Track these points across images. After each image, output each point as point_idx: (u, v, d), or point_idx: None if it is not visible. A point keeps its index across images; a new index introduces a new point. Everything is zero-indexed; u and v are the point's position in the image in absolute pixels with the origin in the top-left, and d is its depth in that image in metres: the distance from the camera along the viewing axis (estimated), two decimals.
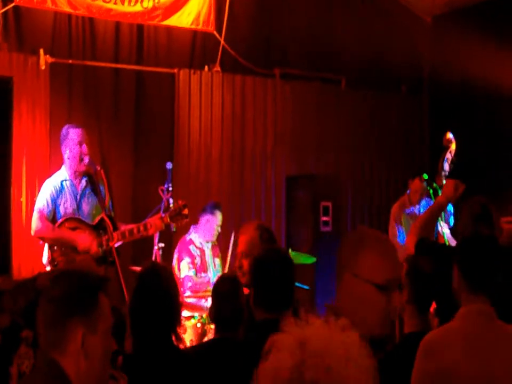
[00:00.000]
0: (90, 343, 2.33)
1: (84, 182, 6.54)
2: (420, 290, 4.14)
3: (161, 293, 3.72)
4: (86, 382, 2.35)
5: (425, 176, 7.76)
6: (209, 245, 7.57)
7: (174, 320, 3.77)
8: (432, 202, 7.79)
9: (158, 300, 3.69)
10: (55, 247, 6.32)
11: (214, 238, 7.56)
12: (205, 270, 7.46)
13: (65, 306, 2.34)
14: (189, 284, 7.22)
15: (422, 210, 7.93)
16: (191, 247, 7.43)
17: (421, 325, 4.08)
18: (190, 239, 7.47)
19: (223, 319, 4.40)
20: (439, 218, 7.26)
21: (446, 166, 7.43)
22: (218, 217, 7.47)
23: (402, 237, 7.75)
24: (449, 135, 7.47)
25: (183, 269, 7.30)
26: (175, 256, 7.42)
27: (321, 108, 9.45)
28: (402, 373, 3.36)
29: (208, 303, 6.96)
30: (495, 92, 8.88)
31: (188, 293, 7.10)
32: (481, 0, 9.18)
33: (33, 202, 6.78)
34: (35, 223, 6.34)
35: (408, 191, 8.05)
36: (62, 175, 6.51)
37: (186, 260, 7.34)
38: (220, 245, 7.80)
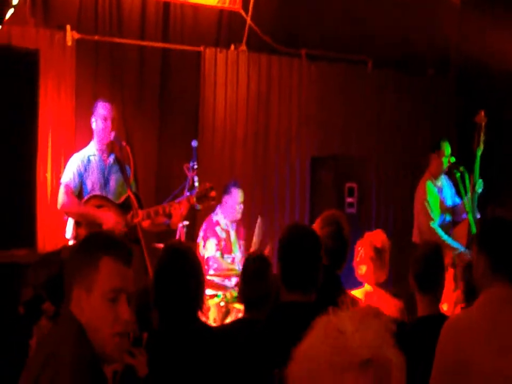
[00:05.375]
0: (85, 303, 2.36)
1: (111, 159, 6.57)
2: (419, 274, 4.15)
3: (185, 270, 3.70)
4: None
5: (453, 159, 7.69)
6: (234, 226, 7.52)
7: (199, 297, 3.74)
8: (453, 191, 7.74)
9: (182, 277, 3.66)
10: (81, 223, 6.32)
11: (238, 216, 7.48)
12: (230, 251, 7.41)
13: (71, 265, 2.45)
14: (215, 265, 7.17)
15: (445, 194, 7.82)
16: (217, 229, 7.37)
17: (429, 308, 4.11)
18: (217, 221, 7.41)
19: (251, 298, 4.38)
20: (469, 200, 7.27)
21: (482, 146, 7.45)
22: (236, 195, 7.39)
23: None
24: (483, 113, 7.48)
25: (209, 249, 7.25)
26: (201, 234, 7.38)
27: (347, 89, 9.36)
28: (415, 354, 3.33)
29: (231, 282, 6.96)
30: None
31: (212, 272, 7.08)
32: None
33: (58, 177, 6.77)
34: (61, 197, 6.36)
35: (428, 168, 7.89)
36: (90, 150, 6.54)
37: (212, 241, 7.28)
38: (245, 226, 7.76)
